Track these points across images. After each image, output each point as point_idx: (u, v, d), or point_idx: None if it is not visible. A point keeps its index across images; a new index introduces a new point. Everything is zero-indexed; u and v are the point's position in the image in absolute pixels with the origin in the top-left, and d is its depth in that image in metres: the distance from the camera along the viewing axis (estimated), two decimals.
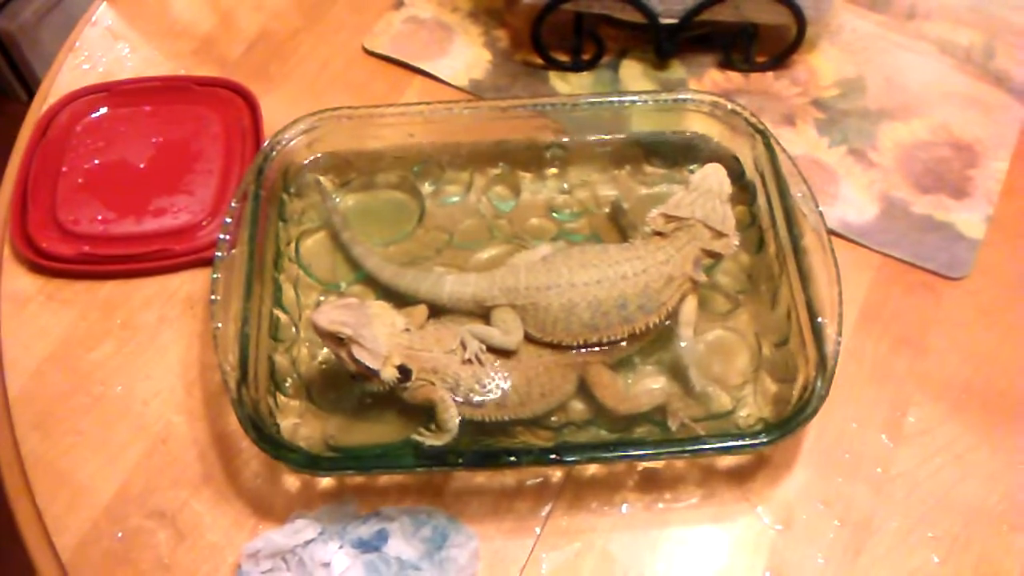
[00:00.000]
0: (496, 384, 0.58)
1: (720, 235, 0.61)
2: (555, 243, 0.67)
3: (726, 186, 0.62)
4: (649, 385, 0.62)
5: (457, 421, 0.58)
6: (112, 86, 0.78)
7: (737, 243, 0.62)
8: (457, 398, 0.58)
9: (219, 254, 0.62)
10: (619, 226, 0.68)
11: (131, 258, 0.68)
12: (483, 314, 0.61)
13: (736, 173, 0.68)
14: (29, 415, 0.62)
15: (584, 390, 0.61)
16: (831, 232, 0.64)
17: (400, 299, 0.63)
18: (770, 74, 0.79)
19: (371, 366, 0.56)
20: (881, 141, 0.75)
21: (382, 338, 0.56)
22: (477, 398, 0.58)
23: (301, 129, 0.68)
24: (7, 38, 1.54)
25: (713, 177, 0.62)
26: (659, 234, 0.61)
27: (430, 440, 0.58)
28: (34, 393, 0.63)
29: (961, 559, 0.56)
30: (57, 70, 0.81)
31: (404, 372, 0.57)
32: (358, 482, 0.59)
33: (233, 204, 0.64)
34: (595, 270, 0.59)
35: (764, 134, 0.66)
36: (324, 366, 0.62)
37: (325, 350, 0.60)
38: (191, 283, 0.68)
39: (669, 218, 0.61)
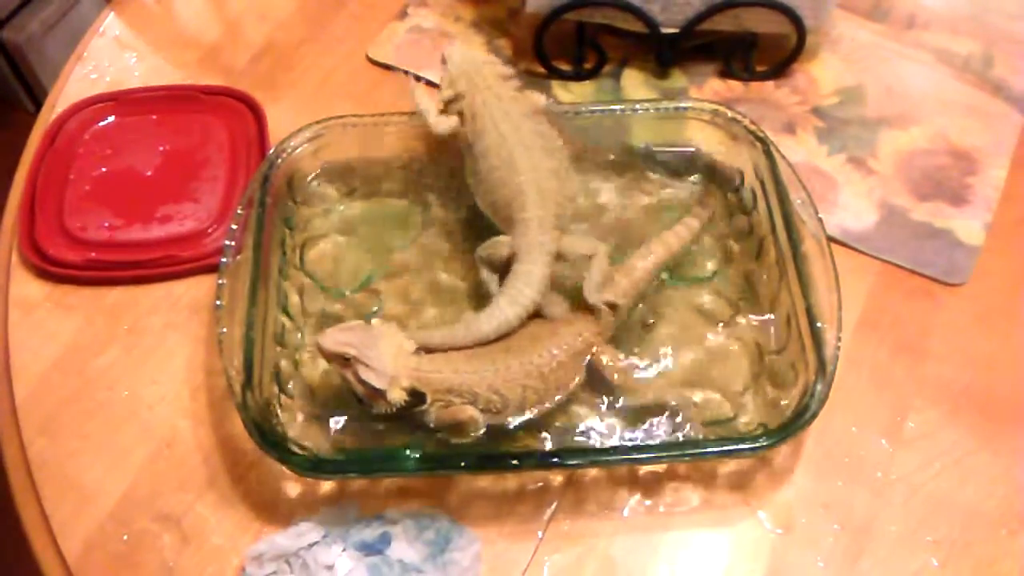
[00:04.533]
0: (512, 389, 0.58)
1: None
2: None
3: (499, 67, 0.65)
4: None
5: (482, 431, 0.58)
6: (119, 95, 0.78)
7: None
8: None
9: (224, 260, 0.62)
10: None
11: (137, 264, 0.68)
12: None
13: (736, 181, 0.69)
14: (36, 420, 0.63)
15: (590, 387, 0.61)
16: (831, 239, 0.65)
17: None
18: (770, 83, 0.80)
19: (377, 386, 0.56)
20: (880, 149, 0.75)
21: (388, 358, 0.56)
22: (496, 407, 0.58)
23: (306, 137, 0.69)
24: (14, 50, 1.56)
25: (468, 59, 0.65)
26: None
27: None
28: (41, 398, 0.64)
29: (960, 563, 0.57)
30: (65, 79, 0.82)
31: (417, 396, 0.57)
32: (361, 485, 0.59)
33: (239, 211, 0.64)
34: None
35: (764, 142, 0.67)
36: (328, 371, 0.63)
37: None
38: (197, 289, 0.68)
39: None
